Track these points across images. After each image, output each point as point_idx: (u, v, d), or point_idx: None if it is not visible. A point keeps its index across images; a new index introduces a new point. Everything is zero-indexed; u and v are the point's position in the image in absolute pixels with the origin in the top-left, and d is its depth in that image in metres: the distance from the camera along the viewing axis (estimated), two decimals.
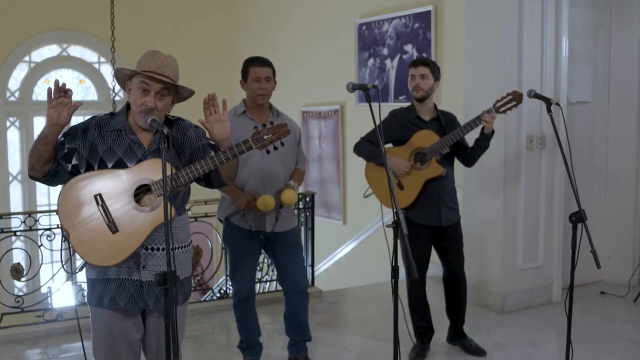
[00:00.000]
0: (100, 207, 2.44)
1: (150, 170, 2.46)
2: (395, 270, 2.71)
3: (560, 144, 3.35)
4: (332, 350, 4.30)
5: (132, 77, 2.52)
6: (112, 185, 2.45)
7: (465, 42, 5.11)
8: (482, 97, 4.88)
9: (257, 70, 3.70)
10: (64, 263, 2.70)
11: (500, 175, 4.82)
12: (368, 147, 3.98)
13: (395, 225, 2.68)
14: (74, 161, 2.52)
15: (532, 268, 5.05)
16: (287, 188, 3.68)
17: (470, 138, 3.98)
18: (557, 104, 3.56)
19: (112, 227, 2.43)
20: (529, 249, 5.02)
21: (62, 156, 2.51)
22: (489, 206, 4.93)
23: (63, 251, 2.61)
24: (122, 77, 2.56)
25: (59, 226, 2.48)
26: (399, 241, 2.69)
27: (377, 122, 2.75)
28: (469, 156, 4.02)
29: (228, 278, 5.43)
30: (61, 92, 2.37)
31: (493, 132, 3.87)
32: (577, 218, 3.20)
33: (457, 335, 4.20)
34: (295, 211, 5.37)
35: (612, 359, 4.07)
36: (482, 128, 3.85)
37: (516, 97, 3.78)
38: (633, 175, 5.63)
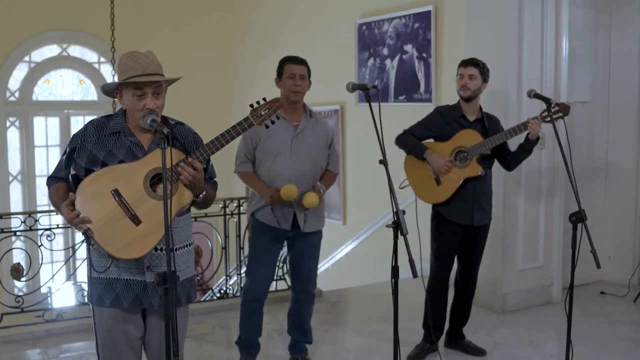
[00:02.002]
0: (119, 201, 2.43)
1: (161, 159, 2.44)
2: (395, 270, 2.70)
3: (560, 144, 3.35)
4: (332, 350, 4.30)
5: (122, 86, 2.48)
6: (126, 179, 2.45)
7: (465, 42, 5.11)
8: (482, 97, 4.88)
9: (292, 67, 3.69)
10: (78, 265, 2.69)
11: (500, 175, 4.82)
12: (411, 141, 3.99)
13: (395, 226, 2.68)
14: (72, 171, 2.52)
15: (532, 268, 5.05)
16: (310, 190, 3.66)
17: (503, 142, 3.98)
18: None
19: (135, 219, 2.43)
20: (529, 249, 5.02)
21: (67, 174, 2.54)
22: None
23: (68, 250, 2.61)
24: (110, 88, 2.54)
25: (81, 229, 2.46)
26: (405, 239, 2.68)
27: (377, 122, 2.75)
28: (511, 160, 4.02)
29: (228, 278, 5.44)
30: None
31: (538, 138, 3.88)
32: (577, 218, 3.20)
33: (455, 338, 4.19)
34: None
35: (612, 359, 4.08)
36: (527, 134, 3.85)
37: (563, 109, 3.76)
38: (633, 176, 5.63)
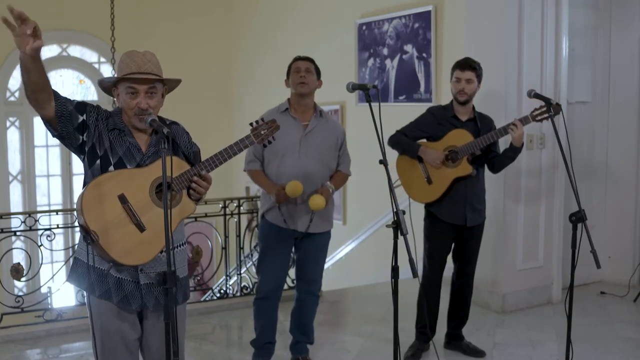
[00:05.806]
0: (125, 206, 2.43)
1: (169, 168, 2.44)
2: (395, 270, 2.70)
3: (560, 144, 3.35)
4: (332, 350, 4.30)
5: (118, 83, 2.49)
6: (133, 185, 2.45)
7: (465, 42, 5.11)
8: (482, 97, 4.88)
9: (297, 63, 3.74)
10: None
11: (500, 175, 4.81)
12: (403, 141, 3.99)
13: (395, 226, 2.68)
14: (85, 138, 2.47)
15: (532, 268, 5.05)
16: (317, 193, 3.66)
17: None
18: (558, 104, 3.55)
19: (140, 225, 2.44)
20: (529, 249, 5.02)
21: (75, 127, 2.44)
22: (489, 206, 4.90)
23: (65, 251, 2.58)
24: (108, 85, 2.53)
25: (85, 229, 2.40)
26: (405, 240, 2.68)
27: (377, 122, 2.75)
28: (495, 163, 4.00)
29: (228, 278, 5.44)
30: (18, 22, 2.21)
31: (522, 145, 3.85)
32: (577, 218, 3.20)
33: (455, 338, 4.19)
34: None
35: (612, 359, 4.08)
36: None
37: (554, 108, 3.72)
38: (633, 175, 5.63)
